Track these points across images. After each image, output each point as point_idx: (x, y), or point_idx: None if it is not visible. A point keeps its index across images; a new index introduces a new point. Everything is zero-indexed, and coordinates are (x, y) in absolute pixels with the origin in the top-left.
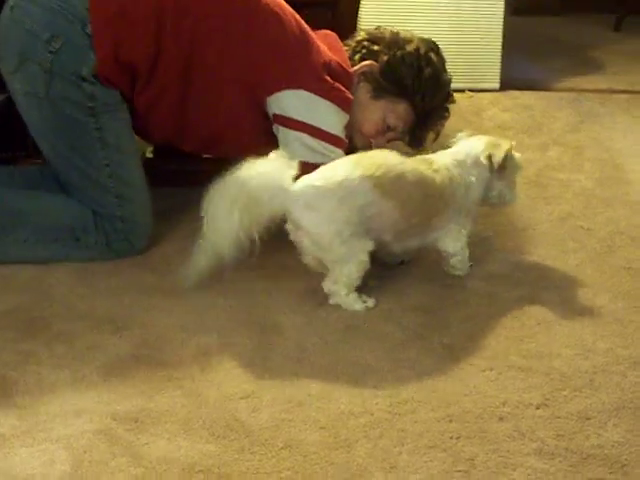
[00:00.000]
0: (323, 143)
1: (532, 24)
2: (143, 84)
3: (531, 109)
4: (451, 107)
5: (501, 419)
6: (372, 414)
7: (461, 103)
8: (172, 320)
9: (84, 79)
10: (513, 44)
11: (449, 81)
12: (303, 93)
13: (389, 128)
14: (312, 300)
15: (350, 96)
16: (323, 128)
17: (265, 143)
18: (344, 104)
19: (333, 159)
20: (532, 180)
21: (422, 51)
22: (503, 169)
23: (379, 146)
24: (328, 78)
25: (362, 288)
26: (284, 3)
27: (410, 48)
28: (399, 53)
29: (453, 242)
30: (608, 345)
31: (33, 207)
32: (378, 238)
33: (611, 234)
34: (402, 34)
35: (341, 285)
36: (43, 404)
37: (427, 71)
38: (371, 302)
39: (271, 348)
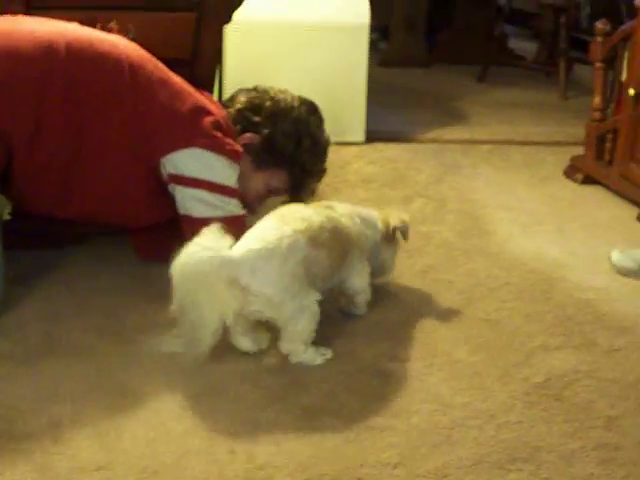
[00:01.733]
0: (219, 196)
1: (399, 76)
2: (25, 155)
3: (396, 161)
4: None
5: None
6: None
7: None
8: (24, 390)
9: None
10: (379, 96)
11: (327, 142)
12: (195, 151)
13: (270, 192)
14: (170, 364)
15: (240, 148)
16: (217, 182)
17: (157, 206)
18: (235, 157)
19: (230, 211)
20: None
21: (302, 118)
22: (393, 239)
23: (260, 208)
24: (218, 134)
25: (224, 348)
26: (163, 66)
27: (290, 118)
28: (279, 125)
29: (360, 280)
30: (466, 399)
31: None
32: (314, 287)
33: (471, 286)
34: (282, 102)
35: (299, 342)
36: None
37: (306, 142)
38: (329, 353)
39: (126, 415)
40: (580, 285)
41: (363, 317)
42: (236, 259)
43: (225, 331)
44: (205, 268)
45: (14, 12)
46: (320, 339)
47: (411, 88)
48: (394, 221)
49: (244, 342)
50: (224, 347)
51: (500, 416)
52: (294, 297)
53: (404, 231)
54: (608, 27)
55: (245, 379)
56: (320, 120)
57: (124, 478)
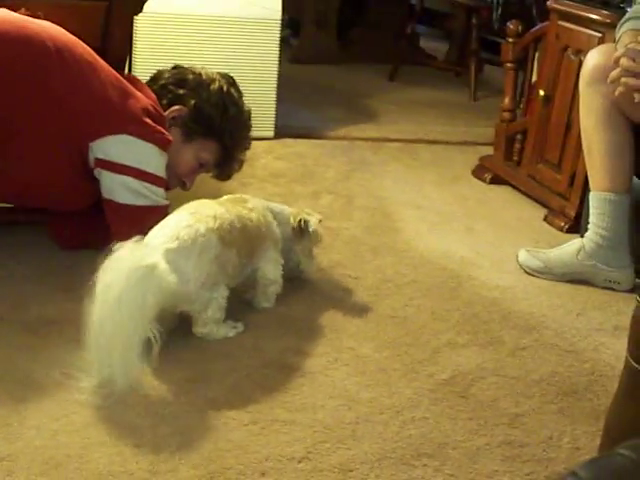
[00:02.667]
0: (146, 184)
1: (310, 72)
2: None
3: (304, 157)
4: None
5: (263, 474)
6: (132, 474)
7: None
8: None
9: None
10: (289, 92)
11: (249, 113)
12: (126, 137)
13: (201, 165)
14: (74, 356)
15: (170, 137)
16: (146, 170)
17: (83, 191)
18: (165, 145)
19: (155, 200)
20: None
21: (225, 89)
22: (304, 237)
23: (191, 183)
24: (149, 121)
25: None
26: (93, 53)
27: (213, 88)
28: (205, 95)
29: (273, 270)
30: (372, 394)
31: None
32: (226, 282)
33: (378, 282)
34: (203, 74)
35: (211, 325)
36: None
37: (232, 110)
38: (240, 326)
39: (29, 406)
40: (487, 284)
41: (269, 311)
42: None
43: None
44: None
45: None
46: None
47: (322, 85)
48: (305, 217)
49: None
50: None
51: (405, 412)
52: (205, 292)
53: (312, 226)
54: (520, 28)
55: (149, 372)
56: (240, 92)
57: (27, 470)
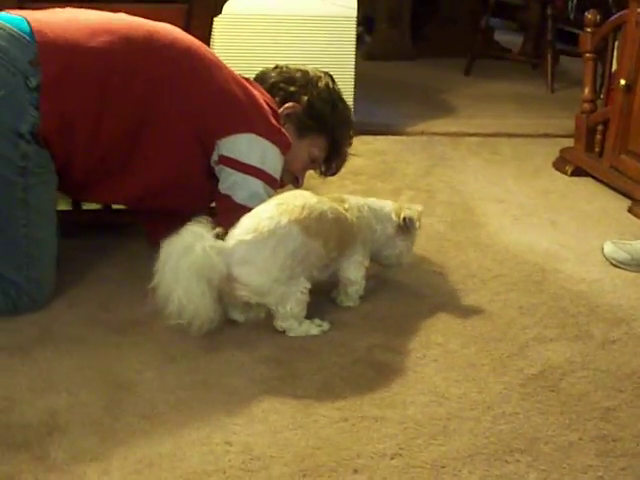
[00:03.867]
0: (264, 185)
1: (385, 69)
2: (84, 147)
3: (384, 154)
4: None
5: (356, 471)
6: (224, 472)
7: None
8: (19, 380)
9: (21, 136)
10: (366, 89)
11: (351, 110)
12: (254, 137)
13: (312, 161)
14: (163, 355)
15: (290, 140)
16: (267, 171)
17: (204, 189)
18: (286, 148)
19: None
20: None
21: (331, 85)
22: (408, 231)
23: (303, 179)
24: (274, 121)
25: (218, 339)
26: (213, 52)
27: (321, 85)
28: (315, 92)
29: (355, 271)
30: (462, 390)
31: None
32: (309, 274)
33: (463, 278)
34: (309, 72)
35: (291, 320)
36: None
37: (340, 105)
38: (326, 325)
39: (121, 406)
40: (573, 277)
41: (356, 308)
42: (228, 249)
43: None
44: (198, 256)
45: (8, 7)
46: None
47: (397, 81)
48: (406, 212)
49: (235, 313)
50: (217, 339)
51: (496, 407)
52: (280, 286)
53: (415, 220)
54: (598, 18)
55: (239, 371)
56: (339, 89)
57: (120, 469)
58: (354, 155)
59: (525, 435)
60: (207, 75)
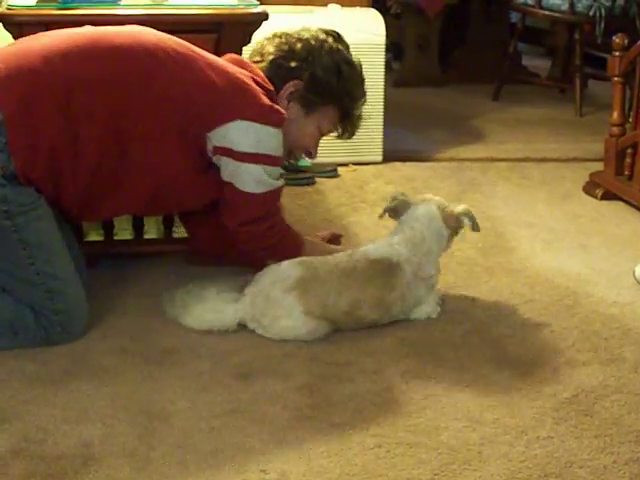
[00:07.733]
0: (266, 167)
1: (413, 95)
2: (71, 172)
3: (414, 180)
4: (335, 181)
5: None
6: None
7: (345, 177)
8: (53, 411)
9: None
10: (395, 116)
11: (360, 64)
12: (241, 123)
13: (322, 133)
14: (196, 384)
15: (283, 112)
16: (265, 152)
17: (207, 181)
18: (280, 123)
19: (271, 184)
20: None
21: (334, 48)
22: (460, 228)
23: (316, 151)
24: (265, 100)
25: (251, 367)
26: (186, 43)
27: (324, 51)
28: (317, 63)
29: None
30: (495, 415)
31: None
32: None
33: (495, 303)
34: (311, 39)
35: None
36: None
37: (345, 69)
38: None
39: (155, 436)
40: (605, 300)
41: (388, 335)
42: None
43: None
44: None
45: None
46: (346, 358)
47: (426, 107)
48: (457, 210)
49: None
50: (250, 368)
51: (530, 432)
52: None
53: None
54: (625, 42)
55: (272, 399)
56: (347, 45)
57: None
58: (386, 183)
59: (559, 459)
60: (178, 71)
